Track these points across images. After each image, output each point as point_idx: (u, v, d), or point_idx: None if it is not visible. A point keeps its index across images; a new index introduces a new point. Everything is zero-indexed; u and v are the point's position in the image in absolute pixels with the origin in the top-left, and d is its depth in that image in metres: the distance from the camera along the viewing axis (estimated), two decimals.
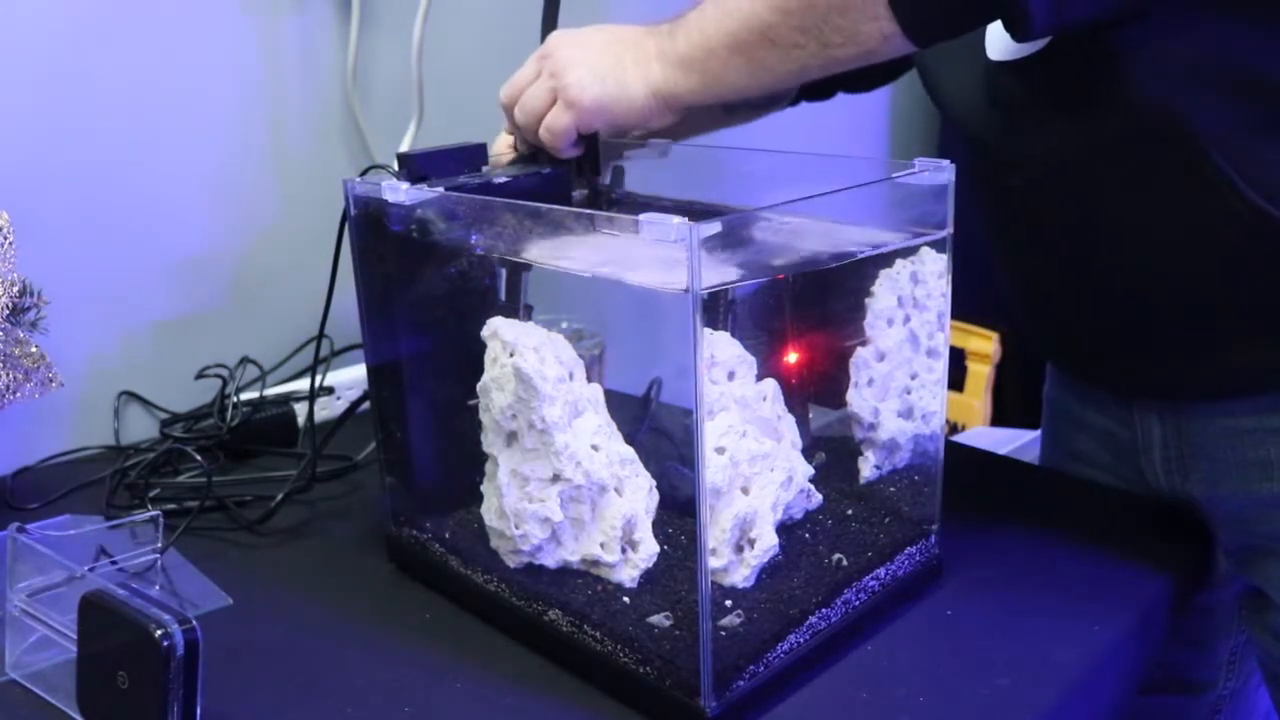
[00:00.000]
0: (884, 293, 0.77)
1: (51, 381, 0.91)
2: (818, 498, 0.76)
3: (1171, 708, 1.01)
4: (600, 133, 0.81)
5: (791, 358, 0.77)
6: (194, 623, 0.60)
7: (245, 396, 1.06)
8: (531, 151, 0.84)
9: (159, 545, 0.79)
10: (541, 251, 0.69)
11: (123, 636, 0.61)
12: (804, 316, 0.76)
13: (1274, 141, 0.70)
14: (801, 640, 0.68)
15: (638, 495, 0.70)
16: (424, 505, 0.82)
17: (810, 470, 0.75)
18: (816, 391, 0.80)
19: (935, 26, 0.69)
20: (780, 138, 0.99)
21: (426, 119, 1.16)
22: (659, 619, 0.67)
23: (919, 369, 0.79)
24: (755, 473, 0.69)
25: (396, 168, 0.79)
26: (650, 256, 0.59)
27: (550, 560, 0.72)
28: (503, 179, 0.79)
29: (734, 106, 0.96)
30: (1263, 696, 1.00)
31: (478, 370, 0.71)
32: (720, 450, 0.67)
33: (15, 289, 0.88)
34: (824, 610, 0.70)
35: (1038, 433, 1.11)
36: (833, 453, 0.80)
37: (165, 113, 1.04)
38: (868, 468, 0.80)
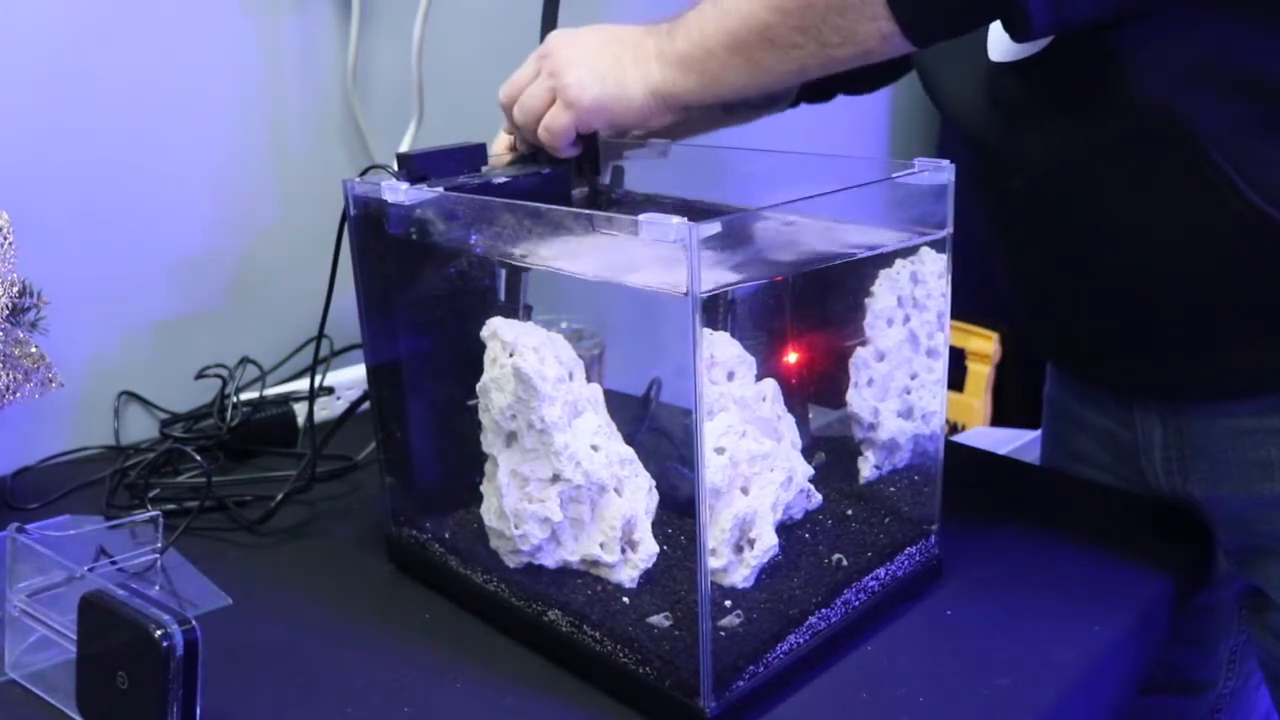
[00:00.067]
0: (884, 293, 0.77)
1: (51, 381, 0.91)
2: (817, 498, 0.76)
3: (1171, 708, 1.01)
4: (600, 132, 0.81)
5: (791, 358, 0.77)
6: (194, 623, 0.60)
7: (245, 396, 1.06)
8: (531, 151, 0.84)
9: (159, 545, 0.79)
10: (541, 252, 0.69)
11: (122, 636, 0.61)
12: (804, 316, 0.76)
13: (1274, 142, 0.70)
14: (801, 640, 0.68)
15: (637, 495, 0.70)
16: (424, 505, 0.82)
17: (810, 470, 0.75)
18: (816, 391, 0.80)
19: (934, 26, 0.69)
20: (780, 138, 0.99)
21: (426, 119, 1.16)
22: (659, 619, 0.67)
23: (919, 369, 0.79)
24: (755, 473, 0.69)
25: (396, 168, 0.79)
26: (650, 257, 0.59)
27: (550, 560, 0.72)
28: (502, 179, 0.79)
29: (733, 106, 0.96)
30: (1263, 696, 1.00)
31: (477, 370, 0.71)
32: (720, 450, 0.67)
33: (15, 289, 0.88)
34: (824, 610, 0.70)
35: (1038, 433, 1.11)
36: (833, 453, 0.80)
37: (165, 113, 1.04)
38: (868, 468, 0.80)
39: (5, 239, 0.87)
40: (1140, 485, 0.90)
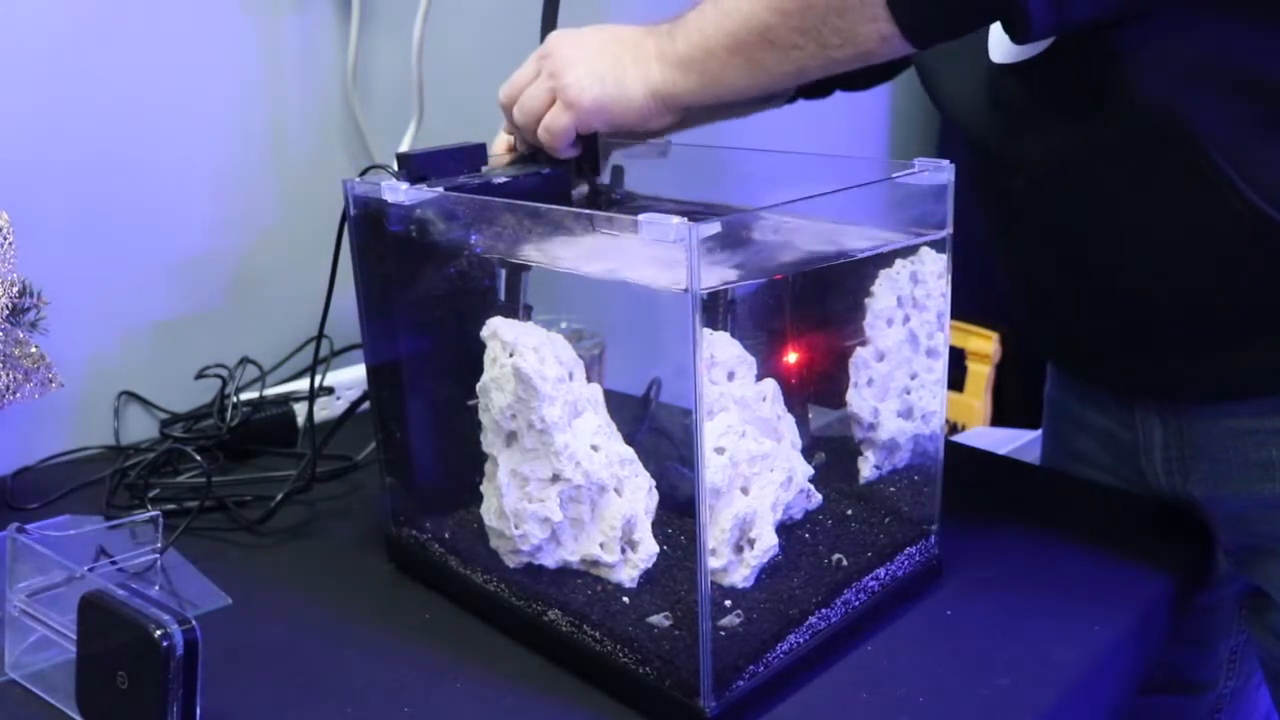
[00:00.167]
0: (884, 293, 0.77)
1: (51, 381, 0.91)
2: (817, 498, 0.76)
3: (1171, 707, 1.01)
4: (599, 133, 0.81)
5: (791, 358, 0.77)
6: (194, 623, 0.60)
7: (245, 396, 1.06)
8: (531, 151, 0.84)
9: (159, 545, 0.79)
10: (541, 251, 0.69)
11: (122, 636, 0.61)
12: (804, 316, 0.76)
13: (1274, 142, 0.70)
14: (801, 640, 0.68)
15: (637, 495, 0.70)
16: (424, 505, 0.82)
17: (810, 470, 0.75)
18: (816, 391, 0.80)
19: (934, 28, 0.69)
20: (780, 138, 0.99)
21: (426, 119, 1.16)
22: (659, 619, 0.67)
23: (919, 369, 0.79)
24: (755, 473, 0.69)
25: (396, 168, 0.79)
26: (650, 256, 0.59)
27: (550, 560, 0.72)
28: (502, 179, 0.79)
29: (731, 103, 0.95)
30: (1263, 696, 1.00)
31: (477, 370, 0.71)
32: (720, 450, 0.67)
33: (15, 289, 0.88)
34: (824, 610, 0.70)
35: (1038, 433, 1.11)
36: (833, 453, 0.80)
37: (165, 113, 1.04)
38: (867, 468, 0.80)
39: (5, 239, 0.87)
40: (1140, 485, 0.90)
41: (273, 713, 0.67)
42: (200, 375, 1.08)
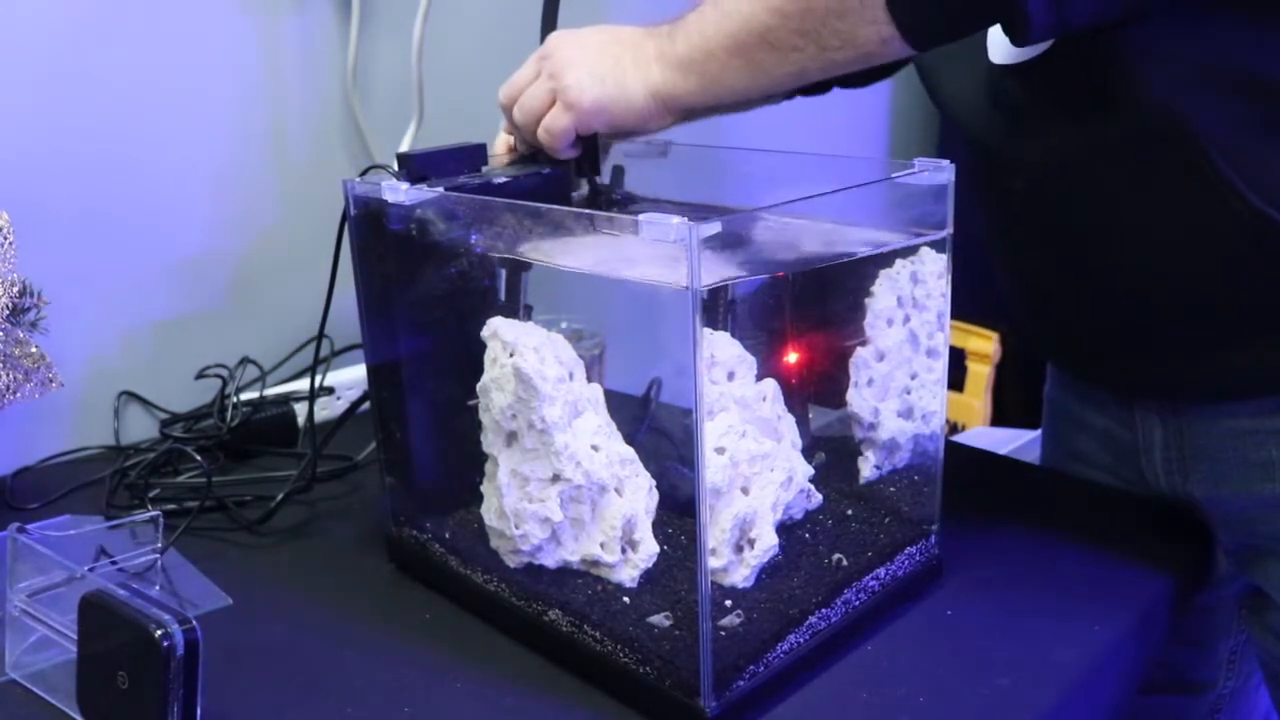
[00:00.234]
0: (884, 293, 0.77)
1: (51, 381, 0.91)
2: (818, 498, 0.76)
3: (1171, 707, 1.01)
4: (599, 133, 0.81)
5: (791, 358, 0.77)
6: (194, 623, 0.60)
7: (245, 396, 1.06)
8: (531, 151, 0.84)
9: (159, 545, 0.79)
10: (541, 251, 0.69)
11: (123, 636, 0.61)
12: (804, 316, 0.76)
13: (1274, 143, 0.70)
14: (801, 640, 0.68)
15: (638, 495, 0.70)
16: (424, 505, 0.82)
17: (810, 470, 0.75)
18: (816, 391, 0.80)
19: (934, 30, 0.69)
20: (780, 138, 0.99)
21: (426, 119, 1.16)
22: (659, 619, 0.67)
23: (919, 369, 0.79)
24: (755, 473, 0.69)
25: (396, 168, 0.79)
26: (650, 256, 0.59)
27: (550, 560, 0.72)
28: (502, 179, 0.79)
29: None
30: (1262, 696, 1.00)
31: (478, 370, 0.71)
32: (720, 450, 0.67)
33: (15, 289, 0.88)
34: (824, 610, 0.70)
35: (1038, 433, 1.11)
36: (833, 453, 0.80)
37: (165, 113, 1.04)
38: (868, 468, 0.80)
39: (5, 239, 0.87)
40: (1140, 485, 0.90)
41: (273, 713, 0.67)
42: (200, 375, 1.08)
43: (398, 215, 0.75)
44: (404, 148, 1.14)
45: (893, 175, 0.72)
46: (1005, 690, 0.67)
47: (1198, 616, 0.94)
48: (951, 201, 0.72)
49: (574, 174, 0.83)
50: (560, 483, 0.69)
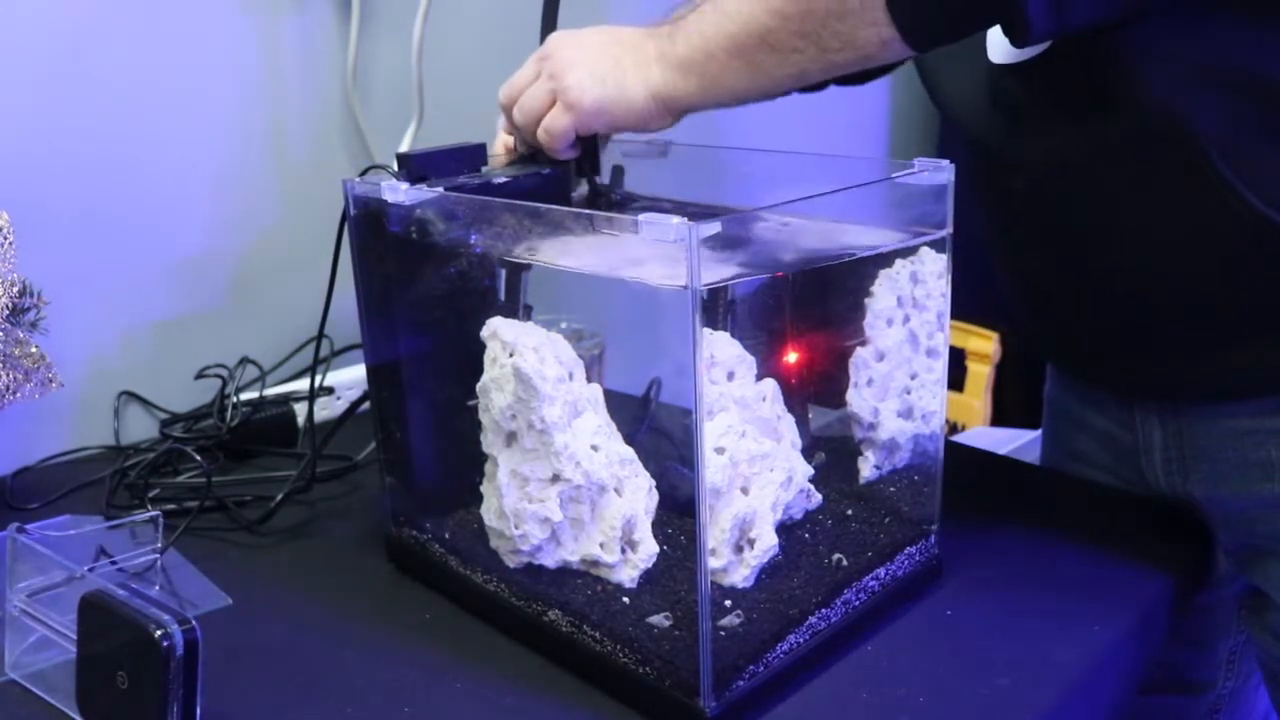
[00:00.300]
0: (884, 293, 0.77)
1: (51, 381, 0.91)
2: (817, 498, 0.76)
3: (1171, 707, 1.01)
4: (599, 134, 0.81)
5: (791, 358, 0.77)
6: (194, 623, 0.60)
7: (245, 396, 1.06)
8: (531, 151, 0.84)
9: (159, 545, 0.79)
10: (541, 251, 0.69)
11: (122, 636, 0.61)
12: (804, 316, 0.76)
13: (1274, 144, 0.70)
14: (801, 640, 0.68)
15: (637, 495, 0.70)
16: (424, 505, 0.82)
17: (810, 470, 0.75)
18: (816, 391, 0.80)
19: (934, 31, 0.69)
20: (780, 138, 0.99)
21: (426, 119, 1.16)
22: (659, 619, 0.67)
23: (919, 369, 0.79)
24: (755, 473, 0.69)
25: (396, 168, 0.79)
26: (650, 256, 0.59)
27: (550, 560, 0.72)
28: (502, 179, 0.79)
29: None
30: (1262, 696, 1.00)
31: (477, 370, 0.71)
32: (720, 450, 0.67)
33: (15, 289, 0.88)
34: (824, 610, 0.70)
35: (1038, 433, 1.11)
36: (833, 453, 0.80)
37: (165, 113, 1.04)
38: (867, 468, 0.80)
39: (5, 239, 0.87)
40: (1140, 486, 0.90)
41: (273, 713, 0.67)
42: (200, 375, 1.08)
43: (397, 215, 0.75)
44: (404, 148, 1.14)
45: (893, 175, 0.72)
46: (1005, 690, 0.67)
47: (1197, 616, 0.94)
48: (951, 201, 0.72)
49: (574, 174, 0.83)
50: (560, 483, 0.69)
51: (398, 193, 0.73)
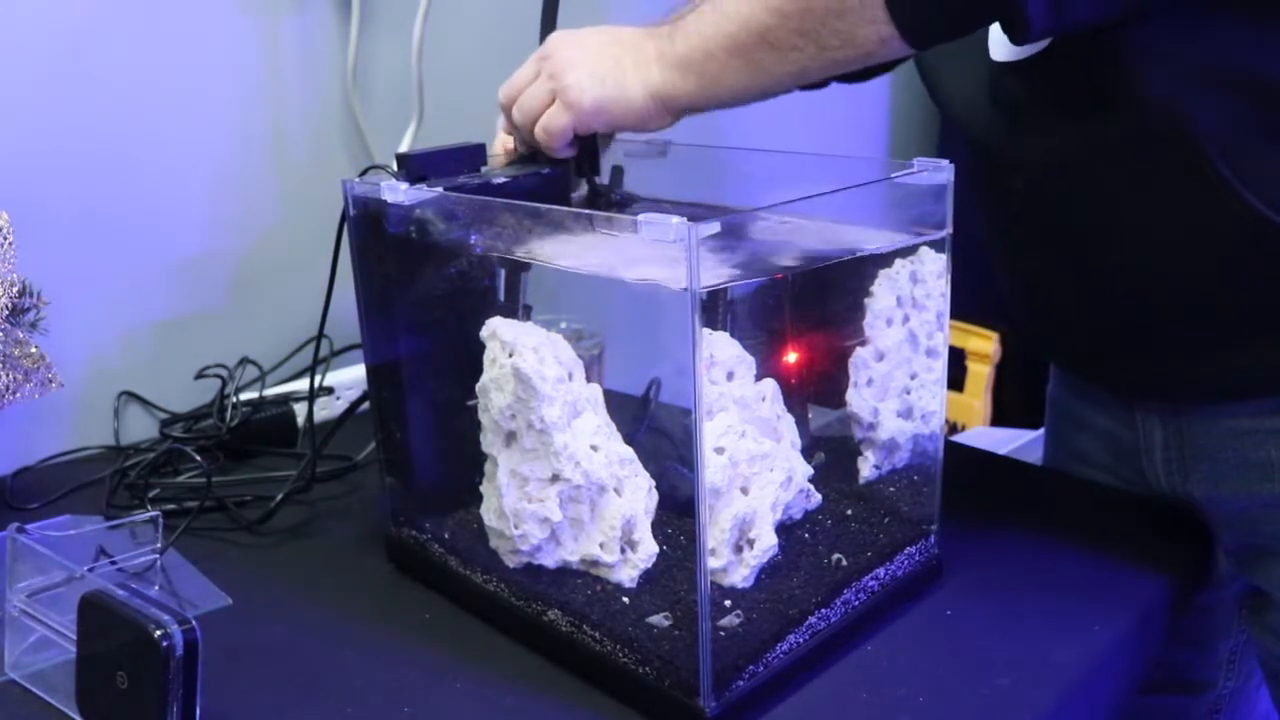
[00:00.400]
0: (883, 293, 0.77)
1: (51, 381, 0.91)
2: (817, 498, 0.76)
3: (1171, 707, 1.01)
4: (598, 133, 0.81)
5: (791, 358, 0.77)
6: (193, 623, 0.60)
7: (245, 396, 1.06)
8: (530, 151, 0.84)
9: (159, 545, 0.79)
10: (541, 251, 0.69)
11: (122, 636, 0.61)
12: (803, 316, 0.76)
13: (1274, 144, 0.70)
14: (801, 640, 0.68)
15: (637, 495, 0.70)
16: (424, 505, 0.82)
17: (810, 470, 0.75)
18: (816, 391, 0.80)
19: (933, 29, 0.69)
20: (780, 138, 0.99)
21: (426, 119, 1.16)
22: (658, 619, 0.67)
23: (918, 369, 0.79)
24: (754, 473, 0.69)
25: (396, 168, 0.79)
26: (649, 256, 0.59)
27: (550, 560, 0.72)
28: (502, 179, 0.79)
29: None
30: (1263, 696, 1.00)
31: (477, 370, 0.71)
32: (719, 450, 0.67)
33: (15, 289, 0.88)
34: (823, 610, 0.70)
35: (1037, 433, 1.11)
36: (832, 453, 0.80)
37: (165, 113, 1.04)
38: (867, 468, 0.80)
39: (5, 239, 0.87)
40: (1141, 486, 0.90)
41: (273, 713, 0.67)
42: (200, 375, 1.08)
43: (397, 215, 0.75)
44: (404, 148, 1.14)
45: (892, 175, 0.72)
46: (1005, 690, 0.67)
47: (1198, 616, 0.94)
48: (951, 201, 0.72)
49: (573, 174, 0.83)
50: (559, 483, 0.69)
51: (397, 193, 0.73)
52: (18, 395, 0.88)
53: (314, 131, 1.14)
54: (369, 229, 0.77)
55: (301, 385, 1.04)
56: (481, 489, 0.75)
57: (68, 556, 0.70)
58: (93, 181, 1.01)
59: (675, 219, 0.57)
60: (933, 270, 0.77)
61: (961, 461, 0.89)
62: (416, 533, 0.81)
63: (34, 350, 0.89)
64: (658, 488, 0.72)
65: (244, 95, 1.08)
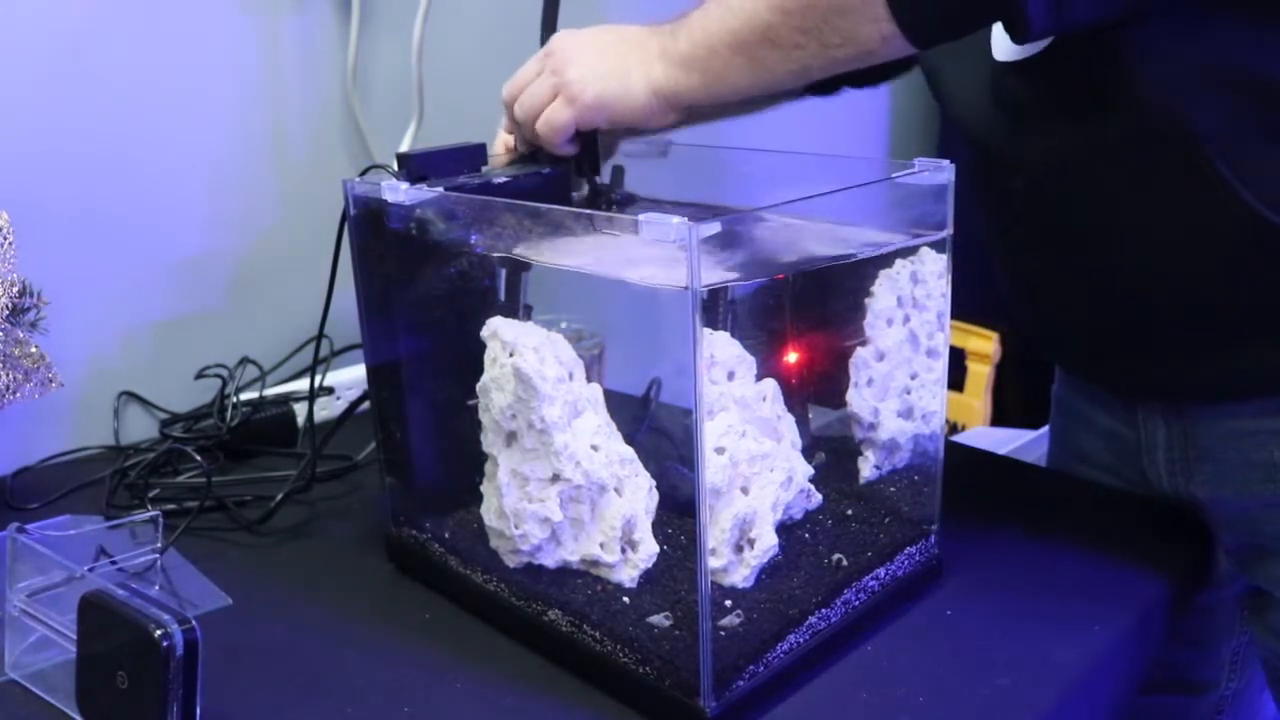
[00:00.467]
0: (884, 293, 0.77)
1: (51, 381, 0.91)
2: (817, 498, 0.76)
3: (1172, 708, 1.01)
4: (599, 132, 0.81)
5: (791, 358, 0.77)
6: (194, 623, 0.60)
7: (245, 396, 1.06)
8: (531, 151, 0.84)
9: (159, 545, 0.79)
10: (541, 251, 0.69)
11: (122, 636, 0.61)
12: (804, 316, 0.76)
13: (1273, 144, 0.70)
14: (801, 640, 0.68)
15: (637, 495, 0.70)
16: (424, 505, 0.82)
17: (810, 470, 0.75)
18: (816, 391, 0.80)
19: (934, 28, 0.69)
20: (780, 138, 0.99)
21: (426, 119, 1.16)
22: (659, 619, 0.67)
23: (919, 369, 0.79)
24: (755, 473, 0.69)
25: (396, 168, 0.79)
26: (650, 256, 0.59)
27: (550, 560, 0.72)
28: (502, 179, 0.79)
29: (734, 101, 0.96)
30: (1266, 701, 1.00)
31: (477, 370, 0.71)
32: (720, 450, 0.67)
33: (15, 289, 0.88)
34: (824, 610, 0.70)
35: (1037, 433, 1.11)
36: (833, 453, 0.80)
37: (165, 113, 1.04)
38: (867, 468, 0.80)
39: (5, 239, 0.87)
40: (1142, 486, 0.90)
41: (273, 713, 0.67)
42: (200, 375, 1.08)
43: (397, 215, 0.75)
44: (404, 148, 1.14)
45: (893, 175, 0.72)
46: (1005, 690, 0.67)
47: (1198, 617, 0.94)
48: (951, 201, 0.72)
49: (574, 174, 0.83)
50: (560, 483, 0.69)
51: (398, 192, 0.73)
52: (18, 395, 0.88)
53: (314, 131, 1.14)
54: (369, 229, 0.77)
55: (301, 385, 1.04)
56: (482, 489, 0.75)
57: (68, 556, 0.70)
58: (93, 181, 1.01)
59: (676, 219, 0.57)
60: (933, 270, 0.77)
61: (962, 461, 0.89)
62: (417, 533, 0.81)
63: (34, 350, 0.89)
64: (658, 488, 0.72)
65: (244, 95, 1.08)
